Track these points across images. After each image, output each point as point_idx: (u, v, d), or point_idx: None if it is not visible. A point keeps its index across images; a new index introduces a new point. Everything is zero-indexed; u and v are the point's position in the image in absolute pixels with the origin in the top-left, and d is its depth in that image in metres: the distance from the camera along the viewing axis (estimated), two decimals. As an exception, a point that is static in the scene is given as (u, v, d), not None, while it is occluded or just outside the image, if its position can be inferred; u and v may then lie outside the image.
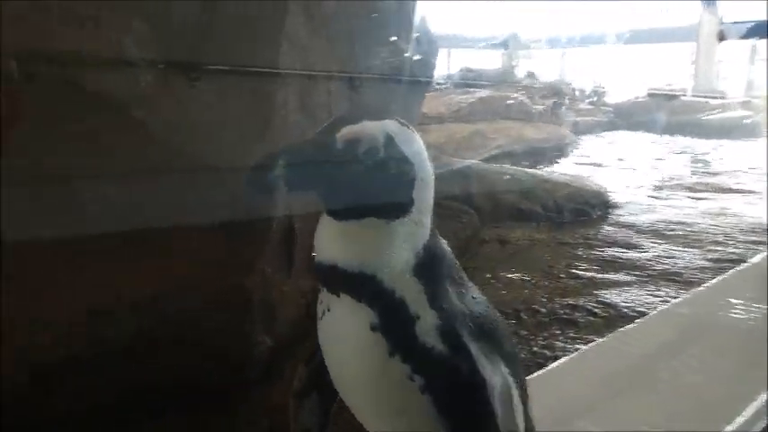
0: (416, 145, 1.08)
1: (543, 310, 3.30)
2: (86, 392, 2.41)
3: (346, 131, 1.01)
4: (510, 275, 3.77)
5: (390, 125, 1.06)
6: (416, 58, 3.85)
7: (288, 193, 0.98)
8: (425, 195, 1.09)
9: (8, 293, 2.20)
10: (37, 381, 2.30)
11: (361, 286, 1.04)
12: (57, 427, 2.33)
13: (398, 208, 1.05)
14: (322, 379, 1.23)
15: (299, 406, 1.31)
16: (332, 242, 1.07)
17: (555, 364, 2.26)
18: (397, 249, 1.05)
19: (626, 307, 3.47)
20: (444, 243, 1.15)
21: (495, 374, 1.09)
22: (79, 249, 2.31)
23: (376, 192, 1.04)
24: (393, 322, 1.04)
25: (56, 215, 2.27)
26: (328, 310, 1.10)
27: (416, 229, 1.08)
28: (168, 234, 2.53)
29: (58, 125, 2.24)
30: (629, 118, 15.05)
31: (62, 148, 2.26)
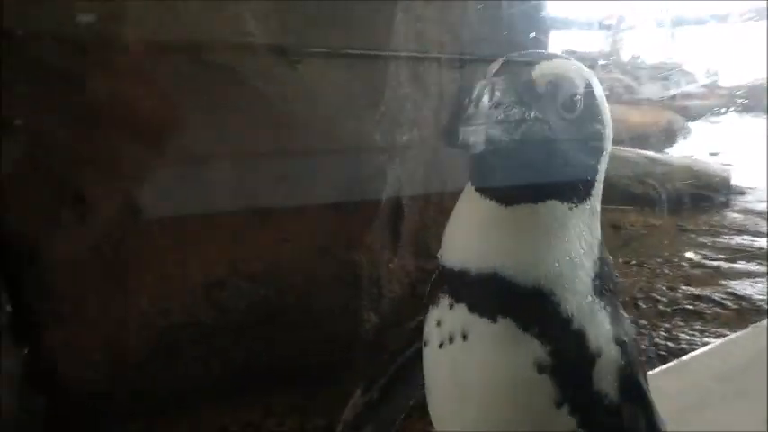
0: (606, 102, 0.84)
1: (664, 299, 3.07)
2: (201, 362, 2.50)
3: (545, 70, 0.76)
4: (626, 261, 3.55)
5: (586, 69, 0.81)
6: (531, 35, 3.68)
7: (486, 151, 0.70)
8: (603, 172, 0.85)
9: (137, 263, 2.31)
10: (160, 348, 2.39)
11: (534, 308, 0.77)
12: (173, 394, 2.41)
13: (584, 186, 0.80)
14: (382, 411, 1.01)
15: None
16: (491, 239, 0.78)
17: (687, 357, 2.08)
18: (578, 252, 0.78)
19: (761, 299, 3.17)
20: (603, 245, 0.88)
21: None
22: (202, 224, 2.38)
23: (566, 160, 0.78)
24: (568, 362, 0.78)
25: (177, 192, 2.34)
26: (463, 338, 0.81)
27: (594, 222, 0.83)
28: (282, 210, 2.56)
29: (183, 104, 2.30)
30: (747, 101, 13.90)
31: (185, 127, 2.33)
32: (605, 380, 0.81)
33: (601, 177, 0.86)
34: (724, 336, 2.57)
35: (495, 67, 0.79)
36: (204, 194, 2.34)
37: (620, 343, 0.82)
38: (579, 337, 0.79)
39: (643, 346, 2.65)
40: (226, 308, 2.48)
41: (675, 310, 2.94)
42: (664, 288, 3.18)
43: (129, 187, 2.28)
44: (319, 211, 2.58)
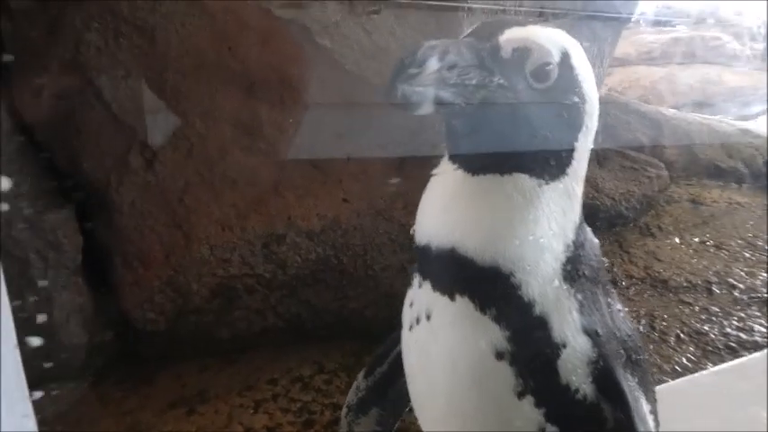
0: (591, 75, 0.76)
1: (741, 285, 2.87)
2: (256, 312, 2.56)
3: (513, 35, 0.71)
4: (702, 241, 3.33)
5: (566, 38, 0.74)
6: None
7: (433, 112, 0.66)
8: (585, 151, 0.77)
9: (200, 213, 2.36)
10: (217, 295, 2.46)
11: (492, 289, 0.72)
12: (228, 340, 2.50)
13: (556, 163, 0.74)
14: (387, 393, 0.97)
15: (354, 422, 1.02)
16: (453, 211, 0.74)
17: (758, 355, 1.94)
18: (545, 234, 0.72)
19: None
20: (591, 232, 0.82)
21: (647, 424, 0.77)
22: (264, 179, 2.40)
23: (535, 132, 0.72)
24: (529, 350, 0.73)
25: (242, 145, 2.36)
26: (427, 318, 0.78)
27: (569, 203, 0.75)
28: (346, 166, 2.54)
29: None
30: None
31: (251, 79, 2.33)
32: (575, 373, 0.74)
33: (581, 156, 0.78)
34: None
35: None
36: (265, 150, 2.35)
37: (590, 334, 0.75)
38: (541, 325, 0.74)
39: (712, 336, 2.51)
40: (283, 262, 2.51)
41: (753, 298, 2.74)
42: (742, 273, 2.97)
43: (193, 138, 2.32)
44: (380, 172, 2.55)
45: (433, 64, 0.64)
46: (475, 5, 2.60)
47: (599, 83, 3.80)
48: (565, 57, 0.73)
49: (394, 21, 2.38)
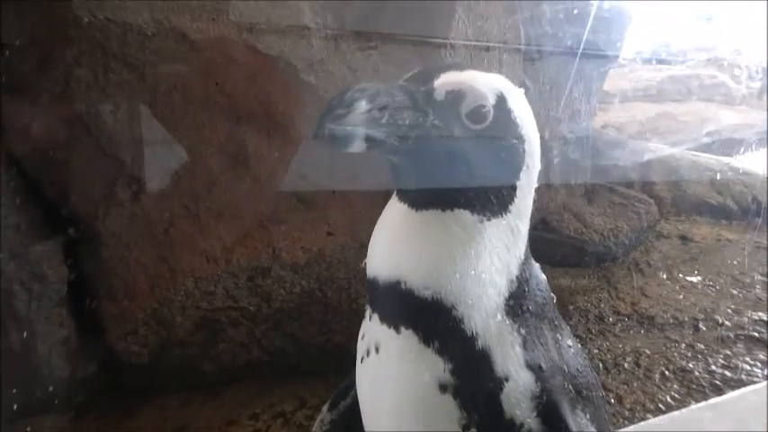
0: (531, 117, 0.80)
1: (728, 323, 2.86)
2: (245, 345, 2.56)
3: (448, 79, 0.75)
4: (690, 278, 3.33)
5: (503, 82, 0.77)
6: (600, 31, 3.49)
7: (366, 150, 0.70)
8: (529, 190, 0.80)
9: (185, 245, 2.38)
10: (201, 328, 2.47)
11: (435, 322, 0.73)
12: (211, 374, 2.49)
13: (497, 200, 0.76)
14: (352, 426, 0.96)
15: None
16: (397, 245, 0.78)
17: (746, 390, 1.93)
18: (487, 269, 0.74)
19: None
20: (538, 268, 0.84)
21: None
22: (249, 212, 2.43)
23: (474, 171, 0.75)
24: (472, 383, 0.74)
25: (226, 180, 2.39)
26: (376, 351, 0.80)
27: (512, 240, 0.78)
28: (330, 200, 2.57)
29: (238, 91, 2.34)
30: None
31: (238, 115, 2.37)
32: (518, 407, 0.75)
33: (524, 194, 0.80)
34: (789, 371, 2.37)
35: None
36: (251, 183, 2.39)
37: (533, 369, 0.76)
38: (484, 358, 0.75)
39: (697, 373, 2.49)
40: (267, 295, 2.52)
41: (739, 336, 2.73)
42: (729, 311, 2.96)
43: (180, 171, 2.35)
44: (364, 206, 2.57)
45: (362, 105, 0.68)
46: (457, 42, 2.66)
47: (587, 119, 3.86)
48: (501, 100, 0.76)
49: (378, 58, 2.44)
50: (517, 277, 0.79)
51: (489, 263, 0.75)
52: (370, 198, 2.55)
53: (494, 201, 0.78)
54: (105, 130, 2.21)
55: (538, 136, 0.82)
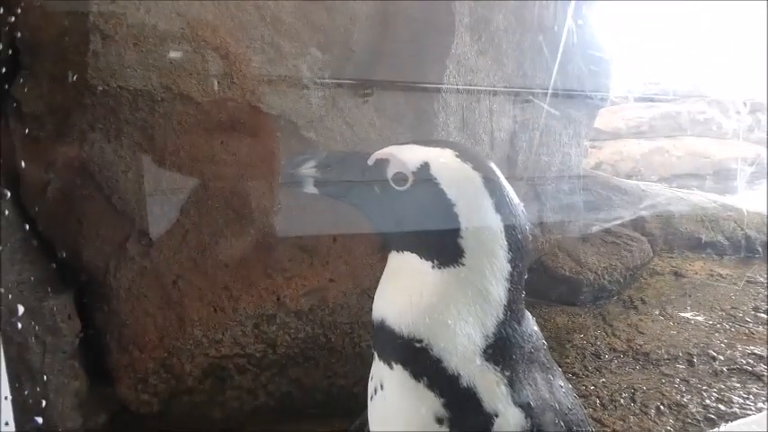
0: (470, 188, 0.89)
1: (721, 357, 2.93)
2: (252, 391, 2.63)
3: (380, 152, 0.95)
4: (684, 314, 3.41)
5: (438, 155, 0.90)
6: (588, 74, 3.66)
7: (318, 193, 0.95)
8: (485, 252, 0.87)
9: (193, 296, 2.48)
10: (209, 375, 2.54)
11: (418, 359, 0.83)
12: (220, 421, 2.56)
13: (441, 251, 0.87)
14: None
15: None
16: (382, 285, 0.93)
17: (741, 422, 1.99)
18: (454, 318, 0.83)
19: (831, 366, 2.92)
20: (532, 320, 0.93)
21: None
22: (253, 263, 2.53)
23: (402, 220, 0.92)
24: (464, 417, 0.82)
25: (232, 235, 2.51)
26: (381, 388, 0.91)
27: (483, 302, 0.85)
28: (332, 248, 2.68)
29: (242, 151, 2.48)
30: None
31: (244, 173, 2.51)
32: None
33: (475, 254, 0.87)
34: (783, 403, 2.43)
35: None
36: (255, 235, 2.50)
37: (522, 406, 0.83)
38: (470, 395, 0.83)
39: (692, 408, 2.55)
40: (273, 341, 2.60)
41: (732, 369, 2.80)
42: (722, 345, 3.04)
43: (188, 225, 2.47)
44: (365, 253, 2.68)
45: (312, 162, 0.92)
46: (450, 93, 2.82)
47: (578, 161, 3.99)
48: (424, 167, 0.90)
49: (373, 113, 2.58)
50: (494, 334, 0.87)
51: (455, 312, 0.84)
52: (370, 245, 2.67)
53: (436, 250, 0.89)
54: (117, 189, 2.34)
55: (472, 201, 0.89)
